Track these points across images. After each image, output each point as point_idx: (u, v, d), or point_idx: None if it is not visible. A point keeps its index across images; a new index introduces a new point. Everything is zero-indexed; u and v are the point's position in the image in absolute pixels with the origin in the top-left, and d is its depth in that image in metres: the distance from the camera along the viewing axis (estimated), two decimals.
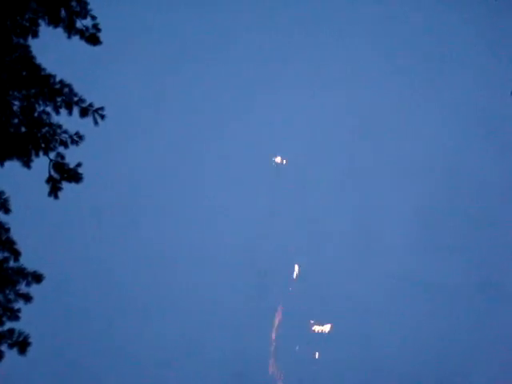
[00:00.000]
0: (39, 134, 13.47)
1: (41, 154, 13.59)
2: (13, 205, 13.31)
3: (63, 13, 13.65)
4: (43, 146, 13.47)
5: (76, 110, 13.67)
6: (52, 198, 13.54)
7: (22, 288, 12.93)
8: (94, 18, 13.81)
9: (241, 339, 69.28)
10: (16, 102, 13.50)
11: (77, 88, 13.96)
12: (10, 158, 13.34)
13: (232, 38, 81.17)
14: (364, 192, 76.34)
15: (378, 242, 73.59)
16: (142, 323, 68.74)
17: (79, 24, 13.76)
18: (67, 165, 13.58)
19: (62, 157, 13.63)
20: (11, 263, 13.07)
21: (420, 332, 68.56)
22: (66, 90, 13.64)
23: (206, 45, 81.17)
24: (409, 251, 72.64)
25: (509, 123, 76.14)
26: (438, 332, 68.51)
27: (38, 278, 13.02)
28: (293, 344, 70.27)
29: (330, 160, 77.41)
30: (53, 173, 13.51)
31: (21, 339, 12.61)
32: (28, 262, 13.30)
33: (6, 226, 13.26)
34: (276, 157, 78.07)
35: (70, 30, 13.73)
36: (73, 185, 13.81)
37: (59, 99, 13.56)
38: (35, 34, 13.68)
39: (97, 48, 14.51)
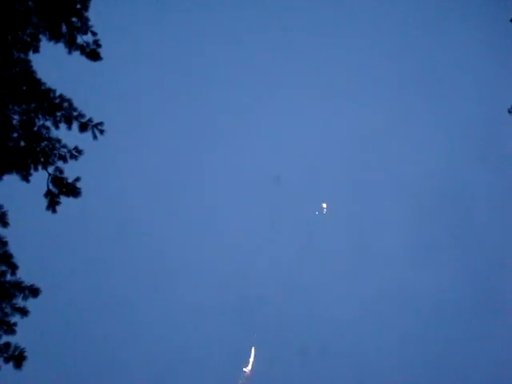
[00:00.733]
0: (38, 149, 13.53)
1: (40, 168, 13.64)
2: (10, 218, 13.34)
3: (64, 28, 13.77)
4: (42, 160, 13.53)
5: (75, 125, 13.75)
6: (50, 212, 13.58)
7: (19, 302, 12.94)
8: (94, 33, 13.92)
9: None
10: (16, 116, 13.56)
11: (77, 99, 14.07)
12: (10, 171, 13.39)
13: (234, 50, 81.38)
14: (358, 208, 76.36)
15: (372, 259, 73.55)
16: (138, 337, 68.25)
17: (80, 39, 13.88)
18: (66, 179, 13.63)
19: (61, 171, 13.68)
20: (8, 277, 13.09)
21: (414, 350, 68.25)
22: (66, 104, 13.72)
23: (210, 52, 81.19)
24: (402, 267, 72.61)
25: (506, 140, 76.49)
26: (432, 350, 68.32)
27: (34, 291, 13.03)
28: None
29: (325, 177, 77.43)
30: (51, 187, 13.56)
31: (17, 353, 12.61)
32: (25, 275, 13.33)
33: (4, 240, 13.28)
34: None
35: (71, 45, 13.84)
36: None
37: (59, 114, 13.64)
38: (36, 49, 13.78)
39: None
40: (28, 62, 13.70)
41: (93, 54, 13.94)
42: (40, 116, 13.62)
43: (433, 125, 79.82)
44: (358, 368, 67.38)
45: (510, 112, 18.40)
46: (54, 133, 13.72)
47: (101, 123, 13.71)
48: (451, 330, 69.10)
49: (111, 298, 66.94)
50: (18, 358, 12.54)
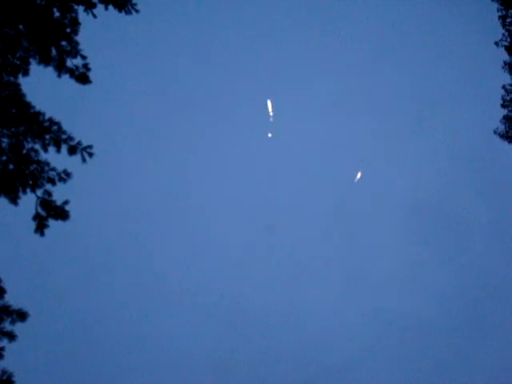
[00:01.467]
0: (27, 171, 13.58)
1: (28, 190, 13.69)
2: None
3: (54, 52, 13.90)
4: (31, 183, 13.58)
5: (64, 148, 13.82)
6: (38, 235, 13.60)
7: (7, 326, 12.91)
8: (84, 57, 14.06)
9: None
10: (4, 139, 13.62)
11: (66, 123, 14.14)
12: None
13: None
14: (351, 233, 76.52)
15: (366, 281, 73.63)
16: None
17: (69, 63, 14.00)
18: (54, 202, 13.67)
19: (50, 194, 13.73)
20: None
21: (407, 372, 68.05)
22: (55, 127, 13.81)
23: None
24: (396, 291, 72.73)
25: (495, 162, 76.88)
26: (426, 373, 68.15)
27: (22, 316, 13.01)
28: None
29: (318, 201, 77.65)
30: (39, 210, 13.59)
31: (4, 378, 12.56)
32: (13, 299, 13.30)
33: None
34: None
35: (61, 68, 13.97)
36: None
37: (48, 137, 13.72)
38: (26, 73, 13.89)
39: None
40: (17, 86, 13.79)
41: (82, 77, 14.07)
42: (29, 139, 13.69)
43: (428, 147, 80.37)
44: None
45: (495, 133, 18.69)
46: (43, 156, 13.79)
47: (90, 146, 13.79)
48: (442, 352, 69.18)
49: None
50: (6, 383, 12.49)
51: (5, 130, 13.61)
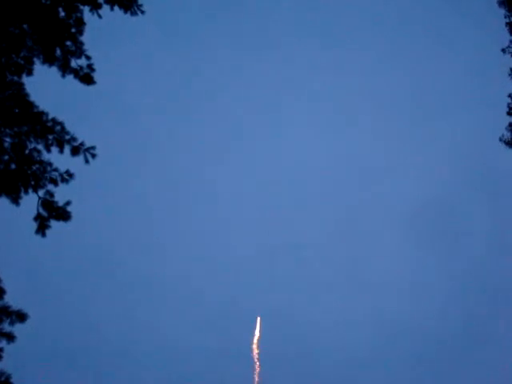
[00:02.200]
0: (29, 172, 13.47)
1: (30, 191, 13.57)
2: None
3: (58, 52, 13.79)
4: (33, 183, 13.47)
5: (67, 148, 13.70)
6: (39, 236, 13.49)
7: (6, 327, 12.80)
8: (88, 57, 13.95)
9: None
10: (7, 139, 13.52)
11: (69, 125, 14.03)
12: (0, 194, 13.32)
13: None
14: (353, 237, 76.40)
15: (366, 283, 73.46)
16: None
17: (74, 63, 13.90)
18: (56, 203, 13.55)
19: (52, 194, 13.61)
20: None
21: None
22: (58, 127, 13.70)
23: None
24: (398, 295, 72.44)
25: (497, 169, 76.56)
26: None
27: (21, 316, 12.90)
28: None
29: (321, 205, 77.59)
30: (41, 210, 13.48)
31: (3, 379, 12.45)
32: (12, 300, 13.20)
33: None
34: None
35: (65, 69, 13.86)
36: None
37: (51, 137, 13.61)
38: (30, 72, 13.78)
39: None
40: (21, 85, 13.69)
41: (86, 77, 13.96)
42: (32, 139, 13.58)
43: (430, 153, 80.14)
44: None
45: (500, 140, 18.51)
46: (46, 156, 13.68)
47: (93, 147, 13.68)
48: (442, 353, 68.88)
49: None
50: None
51: (7, 130, 13.51)
